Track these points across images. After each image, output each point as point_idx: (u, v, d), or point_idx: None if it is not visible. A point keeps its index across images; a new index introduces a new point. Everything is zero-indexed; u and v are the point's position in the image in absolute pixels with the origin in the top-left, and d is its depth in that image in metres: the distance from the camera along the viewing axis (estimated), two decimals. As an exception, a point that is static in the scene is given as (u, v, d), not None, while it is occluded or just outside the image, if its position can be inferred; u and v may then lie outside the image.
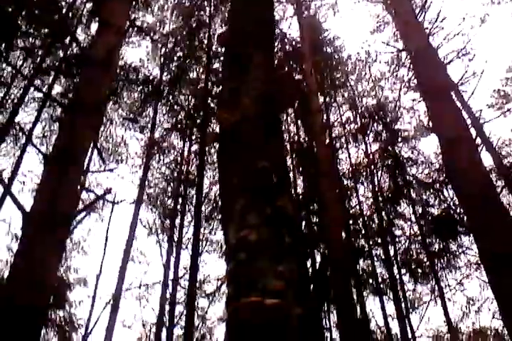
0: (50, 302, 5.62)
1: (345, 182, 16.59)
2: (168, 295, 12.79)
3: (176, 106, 14.51)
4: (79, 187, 6.30)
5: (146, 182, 13.56)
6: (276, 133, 2.41)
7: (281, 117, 2.58)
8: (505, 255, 6.70)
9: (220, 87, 2.51)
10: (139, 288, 13.52)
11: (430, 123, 14.64)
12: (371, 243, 15.62)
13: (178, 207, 14.15)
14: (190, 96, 14.98)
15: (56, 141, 6.35)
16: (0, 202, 7.96)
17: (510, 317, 7.04)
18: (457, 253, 14.85)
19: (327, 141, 14.35)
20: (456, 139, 8.72)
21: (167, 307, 12.58)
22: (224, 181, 2.25)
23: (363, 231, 15.67)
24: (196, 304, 12.81)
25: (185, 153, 14.32)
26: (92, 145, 6.89)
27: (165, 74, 15.50)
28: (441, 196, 14.03)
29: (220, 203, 2.23)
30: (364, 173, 15.93)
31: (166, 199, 14.43)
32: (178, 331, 12.67)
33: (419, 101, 15.01)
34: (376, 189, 15.43)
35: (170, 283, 13.00)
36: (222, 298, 13.99)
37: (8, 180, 8.23)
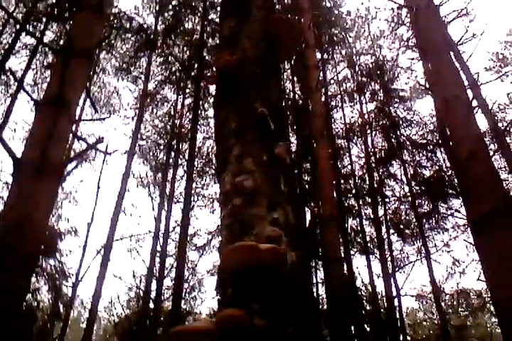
0: (41, 250, 5.61)
1: (339, 141, 16.58)
2: (158, 248, 12.95)
3: (170, 58, 14.19)
4: (71, 136, 6.20)
5: (139, 135, 13.44)
6: (275, 79, 2.33)
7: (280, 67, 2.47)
8: (491, 213, 6.74)
9: (219, 29, 2.38)
10: (130, 239, 13.65)
11: (427, 83, 14.51)
12: (361, 202, 15.78)
13: (171, 161, 14.11)
14: (185, 48, 14.64)
15: (47, 87, 6.20)
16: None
17: (493, 278, 7.17)
18: (445, 215, 15.05)
19: (323, 98, 14.20)
20: (452, 99, 8.64)
21: (157, 260, 12.77)
22: (220, 126, 2.18)
23: (354, 191, 15.78)
24: (186, 257, 12.97)
25: (179, 107, 14.14)
26: (84, 94, 6.74)
27: (160, 23, 15.09)
28: (434, 158, 14.08)
29: (215, 149, 2.17)
30: (358, 133, 15.88)
31: (159, 152, 14.37)
32: (167, 282, 12.92)
33: (418, 61, 14.82)
34: (369, 149, 15.44)
35: (161, 236, 13.15)
36: (212, 251, 14.20)
37: (0, 124, 8.09)
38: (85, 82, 6.58)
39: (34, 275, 10.96)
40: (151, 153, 14.51)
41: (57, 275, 11.35)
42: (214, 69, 2.43)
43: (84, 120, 10.26)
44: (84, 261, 11.45)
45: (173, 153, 13.88)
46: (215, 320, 1.63)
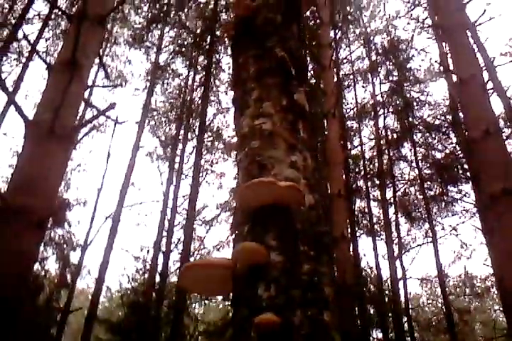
0: (50, 216, 5.62)
1: (350, 122, 16.45)
2: (166, 222, 13.01)
3: (182, 30, 14.04)
4: (83, 103, 6.17)
5: (149, 108, 13.38)
6: (296, 27, 2.27)
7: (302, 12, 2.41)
8: (502, 193, 6.69)
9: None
10: (138, 213, 13.71)
11: (442, 64, 14.33)
12: (369, 184, 15.72)
13: (180, 135, 14.09)
14: (198, 21, 14.48)
15: (60, 52, 6.16)
16: (3, 113, 7.86)
17: (500, 259, 7.14)
18: (454, 199, 14.99)
19: (335, 77, 14.04)
20: (468, 78, 8.55)
21: (165, 233, 12.84)
22: (239, 70, 2.14)
23: (363, 172, 15.71)
24: (194, 231, 13.03)
25: (190, 81, 14.04)
26: (97, 60, 6.70)
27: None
28: (446, 140, 13.96)
29: (233, 94, 2.13)
30: (370, 114, 15.74)
31: (168, 126, 14.33)
32: (174, 256, 13.00)
33: (434, 42, 14.60)
34: (380, 130, 15.32)
35: (168, 210, 13.20)
36: (220, 224, 14.19)
37: (12, 90, 8.07)
38: (98, 48, 6.54)
39: (42, 244, 11.07)
40: (160, 127, 14.49)
41: (65, 245, 11.46)
42: (233, 15, 2.37)
43: (96, 86, 10.21)
44: (92, 230, 11.52)
45: (183, 128, 13.85)
46: (232, 254, 1.62)
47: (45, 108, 5.68)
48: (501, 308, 14.67)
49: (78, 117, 6.99)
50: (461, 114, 13.83)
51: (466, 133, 12.87)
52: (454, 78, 13.90)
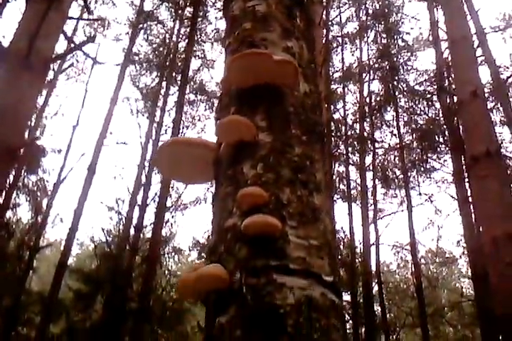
0: (24, 143, 5.40)
1: (334, 85, 16.23)
2: (143, 177, 12.82)
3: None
4: (61, 35, 5.87)
5: (130, 56, 12.94)
6: None
7: None
8: (485, 154, 6.69)
9: None
10: (115, 166, 13.45)
11: (432, 32, 14.15)
12: (350, 149, 15.65)
13: (162, 90, 13.74)
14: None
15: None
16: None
17: (479, 216, 7.19)
18: (433, 167, 15.05)
19: (323, 39, 13.74)
20: (460, 39, 8.48)
21: (142, 188, 12.65)
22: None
23: (344, 137, 15.62)
24: (171, 186, 12.87)
25: (175, 32, 13.59)
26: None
27: None
28: (430, 106, 13.90)
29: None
30: (355, 78, 15.54)
31: (150, 76, 13.92)
32: (150, 210, 12.84)
33: (424, 9, 14.35)
34: (364, 95, 15.16)
35: (146, 164, 12.98)
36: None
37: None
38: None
39: (15, 190, 10.82)
40: (142, 77, 14.08)
41: (38, 193, 11.22)
42: None
43: (77, 19, 9.72)
44: (66, 167, 11.29)
45: (165, 80, 13.49)
46: (216, 129, 1.46)
47: (21, 36, 5.40)
48: (469, 275, 15.08)
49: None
50: (446, 82, 13.84)
51: (454, 97, 12.88)
52: (443, 46, 13.85)
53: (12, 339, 10.84)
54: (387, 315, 14.81)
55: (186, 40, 13.03)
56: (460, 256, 16.90)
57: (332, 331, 1.15)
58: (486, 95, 12.02)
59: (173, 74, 13.58)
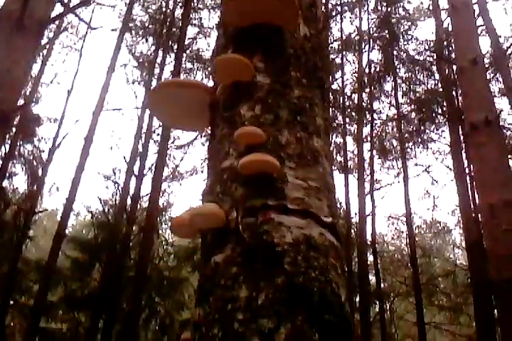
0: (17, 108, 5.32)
1: (333, 55, 16.01)
2: (140, 146, 12.74)
3: None
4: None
5: (127, 25, 12.68)
6: None
7: None
8: (484, 122, 6.66)
9: None
10: (111, 136, 13.35)
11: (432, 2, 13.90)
12: (347, 120, 15.55)
13: (158, 60, 13.52)
14: None
15: None
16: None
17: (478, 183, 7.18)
18: (431, 139, 15.01)
19: (323, 6, 13.46)
20: (461, 7, 8.35)
21: (138, 158, 12.60)
22: None
23: (342, 108, 15.49)
24: (168, 156, 12.82)
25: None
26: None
27: None
28: (429, 76, 13.77)
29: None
30: (354, 47, 15.31)
31: (146, 43, 13.67)
32: (147, 181, 12.82)
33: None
34: (364, 64, 14.96)
35: (143, 135, 12.90)
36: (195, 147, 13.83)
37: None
38: None
39: (11, 159, 10.76)
40: (138, 45, 13.85)
41: (34, 162, 11.16)
42: None
43: None
44: (61, 134, 11.23)
45: (161, 50, 13.26)
46: (212, 68, 1.40)
47: (13, -1, 5.25)
48: (463, 246, 15.25)
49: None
50: (445, 52, 13.67)
51: (453, 67, 12.75)
52: (443, 16, 13.63)
53: (10, 308, 10.96)
54: (382, 285, 15.00)
55: (183, 7, 12.76)
56: (454, 228, 17.06)
57: (330, 270, 1.13)
58: (486, 66, 12.01)
59: (170, 42, 13.35)
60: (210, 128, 1.45)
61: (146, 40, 13.65)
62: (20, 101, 6.26)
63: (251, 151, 1.23)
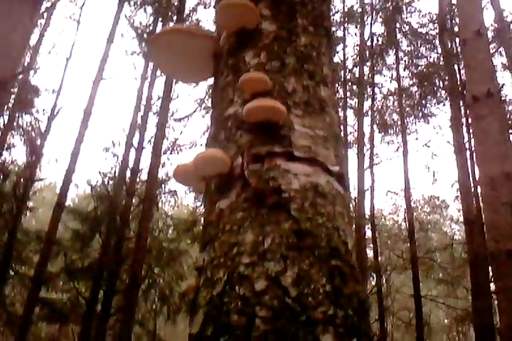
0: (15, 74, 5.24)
1: (334, 28, 15.76)
2: (139, 118, 12.66)
3: None
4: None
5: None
6: None
7: None
8: (486, 94, 6.59)
9: None
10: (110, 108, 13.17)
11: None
12: (348, 93, 15.42)
13: (158, 31, 13.30)
14: None
15: None
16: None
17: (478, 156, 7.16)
18: (432, 113, 14.92)
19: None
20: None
21: (138, 130, 12.53)
22: None
23: (342, 81, 15.34)
24: (167, 129, 12.75)
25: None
26: None
27: None
28: (431, 49, 13.60)
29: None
30: (357, 19, 15.06)
31: (145, 18, 13.43)
32: (146, 153, 12.77)
33: None
34: (366, 37, 14.76)
35: (142, 107, 12.79)
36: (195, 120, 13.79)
37: None
38: None
39: (9, 131, 10.69)
40: (137, 18, 13.61)
41: (33, 133, 11.09)
42: None
43: None
44: (58, 103, 11.18)
45: (160, 21, 13.06)
46: (216, 14, 1.35)
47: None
48: (461, 220, 15.35)
49: None
50: (448, 24, 13.47)
51: (455, 41, 12.59)
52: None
53: (10, 277, 11.06)
54: (379, 258, 15.13)
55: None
56: (453, 203, 17.12)
57: (338, 218, 1.11)
58: (489, 39, 11.87)
59: (169, 12, 13.13)
60: (213, 77, 1.41)
61: (145, 11, 13.40)
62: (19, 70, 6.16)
63: (256, 98, 1.19)
